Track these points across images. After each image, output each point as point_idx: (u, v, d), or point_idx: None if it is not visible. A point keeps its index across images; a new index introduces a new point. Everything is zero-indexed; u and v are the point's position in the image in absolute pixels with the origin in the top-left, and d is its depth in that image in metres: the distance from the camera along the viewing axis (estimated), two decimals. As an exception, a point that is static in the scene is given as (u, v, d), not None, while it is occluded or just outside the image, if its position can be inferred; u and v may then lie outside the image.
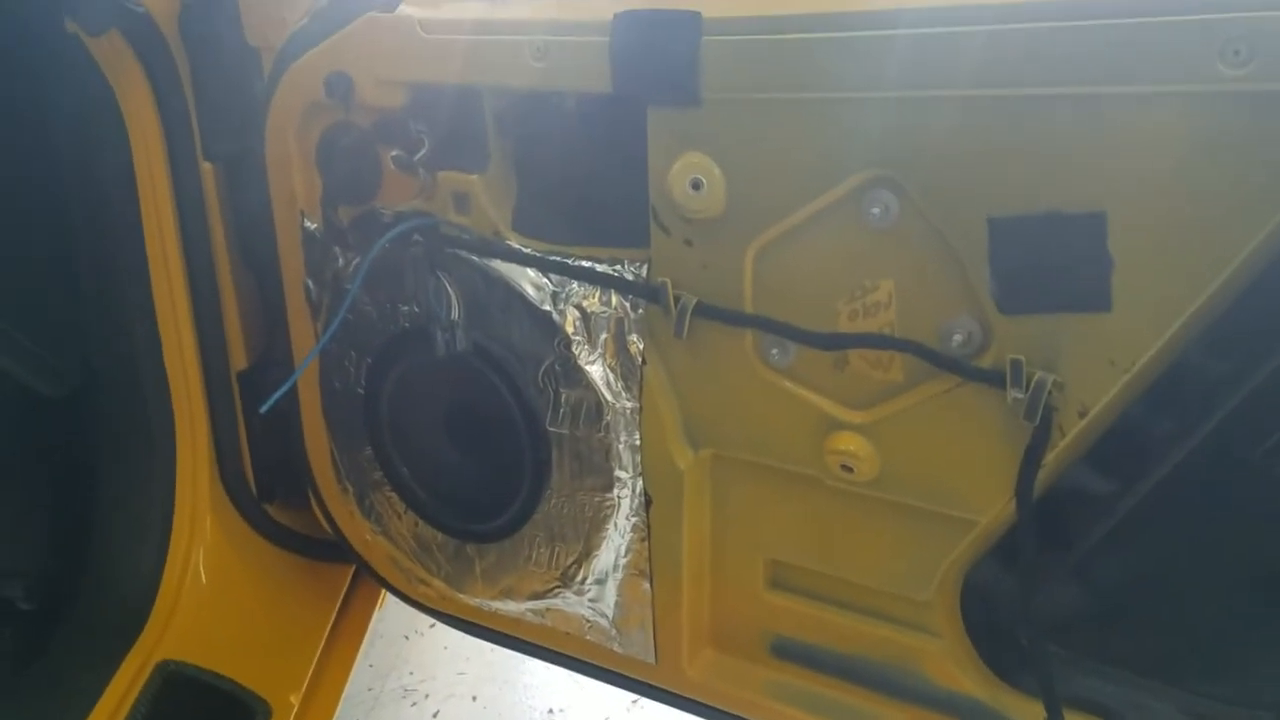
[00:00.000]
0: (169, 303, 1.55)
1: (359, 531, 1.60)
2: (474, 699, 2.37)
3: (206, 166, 1.50)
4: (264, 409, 1.23)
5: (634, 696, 2.01)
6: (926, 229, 1.03)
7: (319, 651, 1.69)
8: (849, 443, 1.15)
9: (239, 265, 1.58)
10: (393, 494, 1.50)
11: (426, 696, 2.38)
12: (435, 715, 2.33)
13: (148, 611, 1.59)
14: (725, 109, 1.07)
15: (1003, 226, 0.98)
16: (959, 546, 1.15)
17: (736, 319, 1.16)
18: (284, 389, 1.25)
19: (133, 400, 1.60)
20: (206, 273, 1.55)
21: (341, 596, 1.82)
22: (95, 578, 1.63)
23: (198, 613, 1.63)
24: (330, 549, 1.79)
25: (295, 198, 1.39)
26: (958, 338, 1.05)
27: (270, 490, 1.76)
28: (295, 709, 1.58)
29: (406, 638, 2.55)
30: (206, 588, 1.66)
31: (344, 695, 2.33)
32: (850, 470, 1.16)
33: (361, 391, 1.44)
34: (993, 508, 1.10)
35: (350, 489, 1.55)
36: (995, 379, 1.04)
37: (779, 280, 1.13)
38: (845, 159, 1.04)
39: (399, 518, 1.52)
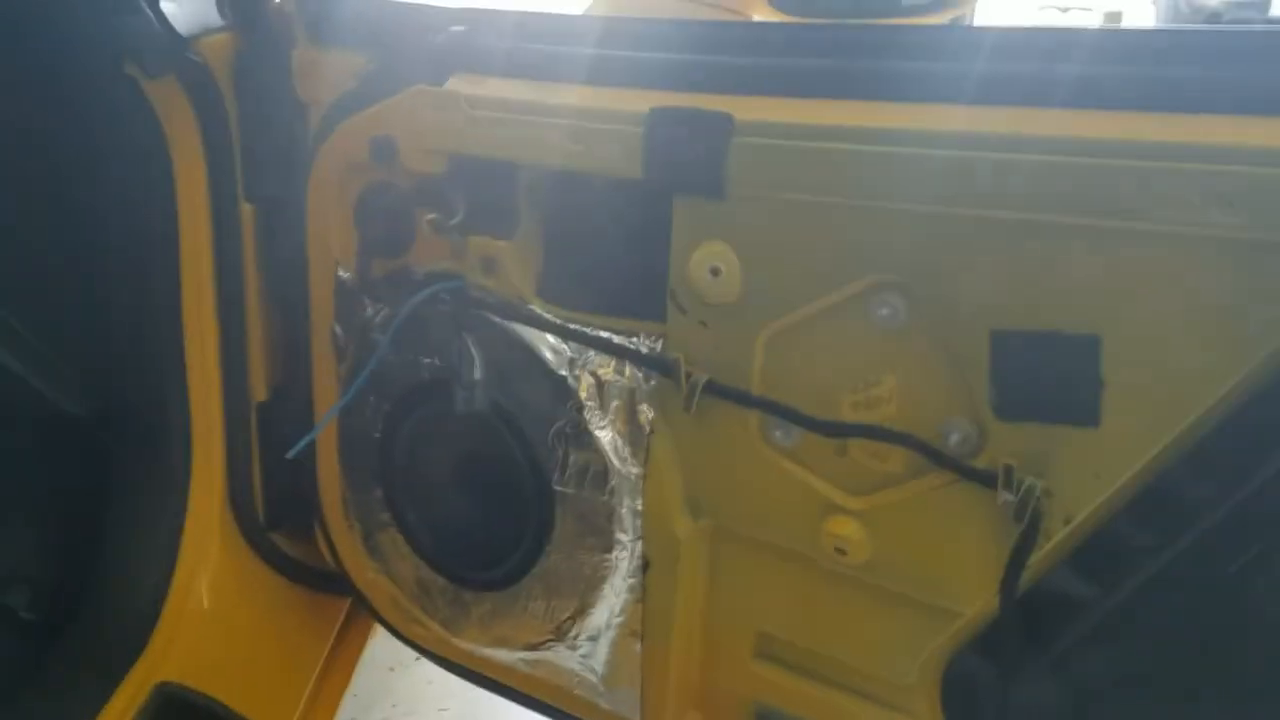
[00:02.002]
0: (198, 331, 1.61)
1: (361, 568, 1.64)
2: (455, 736, 2.40)
3: (247, 208, 1.57)
4: (291, 454, 1.28)
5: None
6: (932, 333, 1.08)
7: (312, 682, 1.73)
8: (844, 527, 1.20)
9: (267, 302, 1.64)
10: (398, 535, 1.55)
11: (407, 731, 2.41)
12: (415, 751, 2.36)
13: (150, 631, 1.63)
14: (748, 204, 1.13)
15: (1003, 339, 1.04)
16: (942, 635, 1.20)
17: (744, 399, 1.21)
18: (310, 437, 1.30)
19: (153, 422, 1.65)
20: (237, 306, 1.61)
21: (337, 629, 1.85)
22: (100, 594, 1.67)
23: (199, 636, 1.66)
24: (330, 581, 1.83)
25: (331, 247, 1.45)
26: (955, 437, 1.10)
27: (278, 519, 1.80)
28: (286, 737, 1.62)
29: (391, 669, 2.58)
30: (209, 611, 1.69)
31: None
32: (843, 553, 1.20)
33: (377, 435, 1.49)
34: (977, 601, 1.15)
35: (357, 526, 1.60)
36: (987, 480, 1.09)
37: (787, 366, 1.18)
38: (859, 261, 1.10)
39: (402, 559, 1.56)
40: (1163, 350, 0.97)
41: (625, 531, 1.34)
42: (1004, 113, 1.01)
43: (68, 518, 1.74)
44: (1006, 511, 1.08)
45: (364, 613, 1.78)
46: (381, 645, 2.43)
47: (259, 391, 1.70)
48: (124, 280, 1.62)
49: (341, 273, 1.45)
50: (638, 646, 1.39)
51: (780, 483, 1.23)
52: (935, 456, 1.11)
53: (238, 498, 1.74)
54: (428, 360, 1.41)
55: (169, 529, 1.69)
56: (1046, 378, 1.03)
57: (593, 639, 1.42)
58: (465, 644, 1.56)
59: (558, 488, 1.36)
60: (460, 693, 2.51)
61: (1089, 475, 1.03)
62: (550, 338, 1.31)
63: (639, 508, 1.32)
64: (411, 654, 2.54)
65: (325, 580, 1.84)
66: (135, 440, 1.70)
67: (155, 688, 1.56)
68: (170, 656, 1.61)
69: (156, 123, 1.48)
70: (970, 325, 1.05)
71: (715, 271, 1.17)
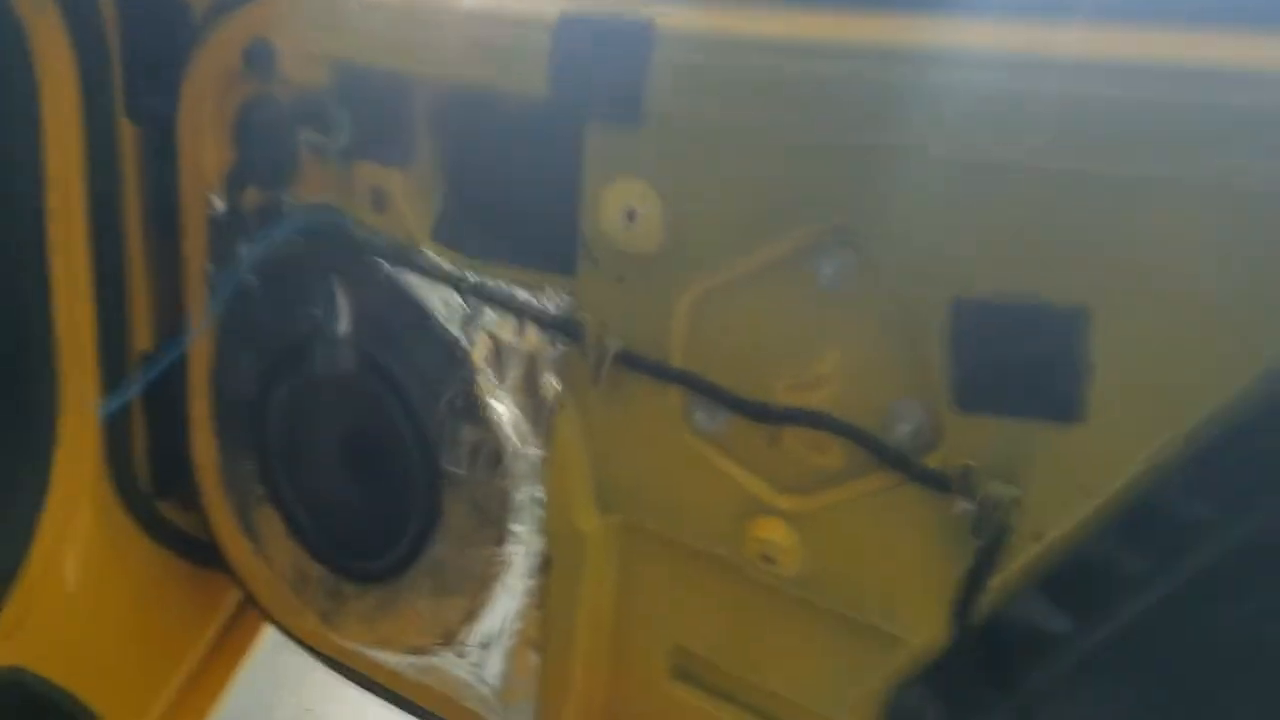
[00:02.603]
0: (66, 269, 1.40)
1: (238, 547, 1.44)
2: (375, 732, 2.20)
3: (127, 127, 1.36)
4: (102, 411, 1.09)
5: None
6: (884, 298, 0.88)
7: (183, 675, 1.53)
8: (773, 530, 1.00)
9: (152, 237, 1.44)
10: (274, 513, 1.35)
11: (324, 722, 2.22)
12: (330, 745, 2.16)
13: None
14: (672, 134, 0.93)
15: (970, 309, 0.83)
16: (884, 666, 1.00)
17: (661, 372, 1.01)
18: (129, 394, 1.10)
19: (10, 368, 1.45)
20: (114, 242, 1.41)
21: (227, 614, 1.65)
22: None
23: (57, 616, 1.46)
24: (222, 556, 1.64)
25: (205, 173, 1.24)
26: (905, 428, 0.90)
27: (166, 486, 1.60)
28: (137, 740, 1.42)
29: (315, 654, 2.38)
30: (73, 588, 1.50)
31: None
32: (771, 561, 1.00)
33: (251, 398, 1.29)
34: (926, 628, 0.95)
35: (232, 501, 1.40)
36: (942, 483, 0.89)
37: (714, 335, 0.98)
38: (801, 206, 0.89)
39: (278, 540, 1.36)
40: (1168, 329, 0.76)
41: (522, 523, 1.14)
42: (984, 26, 0.81)
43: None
44: (964, 523, 0.88)
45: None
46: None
47: (144, 339, 1.50)
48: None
49: (216, 204, 1.24)
50: (536, 658, 1.19)
51: (702, 475, 1.03)
52: (880, 451, 0.91)
53: (117, 461, 1.54)
54: (306, 312, 1.20)
55: (30, 493, 1.49)
56: (1019, 359, 0.83)
57: (485, 646, 1.22)
58: (348, 642, 1.36)
59: (448, 468, 1.16)
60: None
61: (1068, 484, 0.83)
62: (443, 290, 1.11)
63: (539, 496, 1.12)
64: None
65: (218, 557, 1.65)
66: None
67: (-4, 672, 1.37)
68: (17, 639, 1.41)
69: (17, 25, 1.28)
70: (929, 289, 0.85)
71: (632, 215, 0.96)
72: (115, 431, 1.52)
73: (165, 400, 1.52)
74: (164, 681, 1.50)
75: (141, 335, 1.50)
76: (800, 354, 0.94)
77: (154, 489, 1.59)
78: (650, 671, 1.17)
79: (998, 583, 0.89)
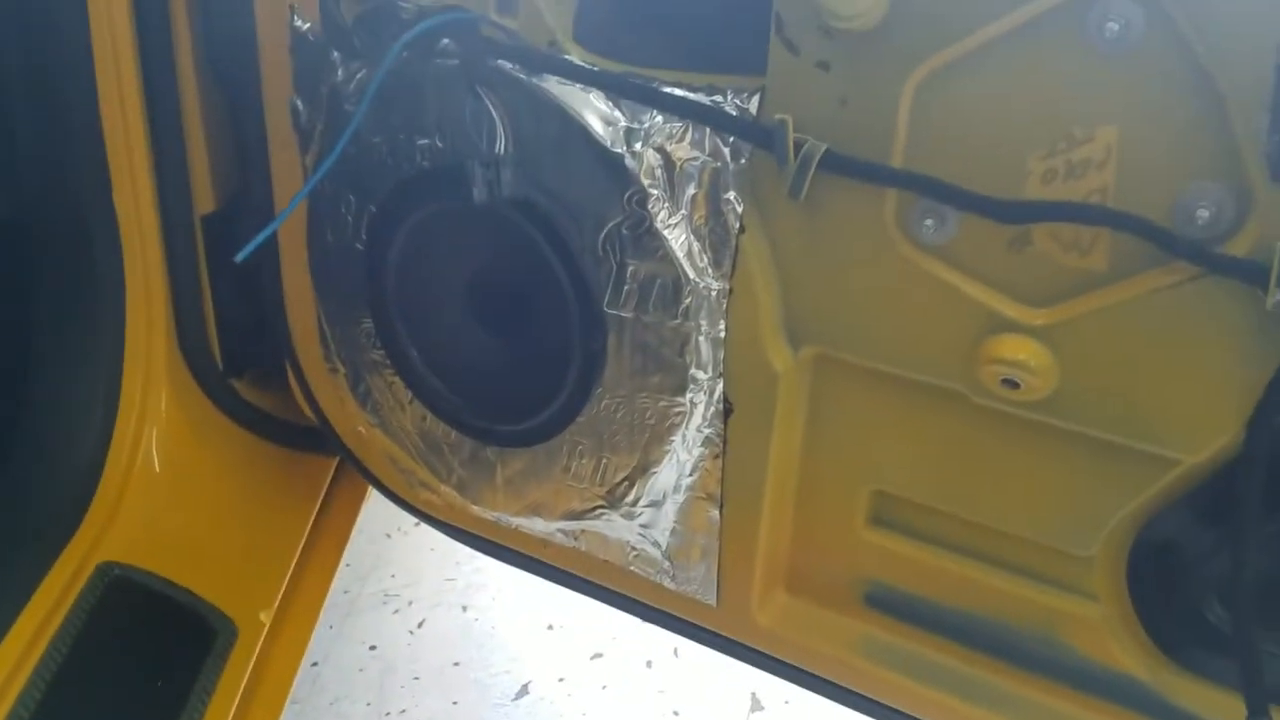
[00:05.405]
0: (119, 121, 1.23)
1: (349, 421, 1.31)
2: (464, 609, 2.13)
3: None
4: (240, 257, 0.93)
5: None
6: (1180, 55, 0.73)
7: (294, 561, 1.42)
8: (1019, 349, 0.86)
9: (208, 78, 1.25)
10: (395, 379, 1.21)
11: (410, 604, 2.13)
12: (420, 624, 2.08)
13: (88, 501, 1.31)
14: None
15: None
16: (1147, 491, 0.89)
17: (882, 175, 0.86)
18: (265, 234, 0.95)
19: (72, 240, 1.30)
20: (167, 85, 1.23)
21: (322, 494, 1.54)
22: (25, 458, 1.34)
23: (149, 507, 1.35)
24: (310, 437, 1.51)
25: (283, -14, 1.06)
26: (1203, 213, 0.76)
27: (238, 363, 1.46)
28: (266, 629, 1.31)
29: (388, 536, 2.29)
30: (160, 477, 1.37)
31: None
32: (1015, 385, 0.88)
33: (361, 248, 1.13)
34: (1208, 445, 0.83)
35: (341, 369, 1.26)
36: (1250, 272, 0.75)
37: (948, 123, 0.83)
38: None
39: (402, 408, 1.23)
40: None
41: (703, 367, 1.00)
42: None
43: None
44: (1277, 317, 0.75)
45: (352, 474, 1.46)
46: (376, 508, 2.15)
47: (205, 201, 1.33)
48: (18, 53, 1.23)
49: (299, 22, 1.06)
50: (714, 513, 1.08)
51: (925, 294, 0.89)
52: (1171, 242, 0.77)
53: (187, 337, 1.39)
54: (425, 141, 1.04)
55: (105, 377, 1.35)
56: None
57: (655, 504, 1.10)
58: (488, 512, 1.24)
59: (610, 310, 1.02)
60: (467, 560, 2.24)
61: None
62: (598, 100, 0.94)
63: (721, 335, 0.98)
64: (411, 518, 2.30)
65: (304, 437, 1.52)
66: (55, 264, 1.34)
67: (98, 569, 1.25)
68: (114, 532, 1.30)
69: None
70: (1248, 38, 0.69)
71: (849, -22, 0.80)
72: (185, 305, 1.38)
73: (234, 270, 1.37)
74: (278, 565, 1.39)
75: (201, 195, 1.34)
76: (1063, 135, 0.79)
77: (227, 368, 1.45)
78: (846, 519, 1.06)
79: (1306, 387, 0.77)
